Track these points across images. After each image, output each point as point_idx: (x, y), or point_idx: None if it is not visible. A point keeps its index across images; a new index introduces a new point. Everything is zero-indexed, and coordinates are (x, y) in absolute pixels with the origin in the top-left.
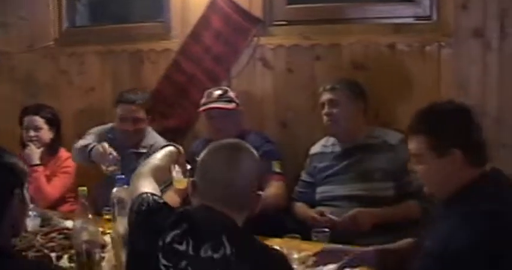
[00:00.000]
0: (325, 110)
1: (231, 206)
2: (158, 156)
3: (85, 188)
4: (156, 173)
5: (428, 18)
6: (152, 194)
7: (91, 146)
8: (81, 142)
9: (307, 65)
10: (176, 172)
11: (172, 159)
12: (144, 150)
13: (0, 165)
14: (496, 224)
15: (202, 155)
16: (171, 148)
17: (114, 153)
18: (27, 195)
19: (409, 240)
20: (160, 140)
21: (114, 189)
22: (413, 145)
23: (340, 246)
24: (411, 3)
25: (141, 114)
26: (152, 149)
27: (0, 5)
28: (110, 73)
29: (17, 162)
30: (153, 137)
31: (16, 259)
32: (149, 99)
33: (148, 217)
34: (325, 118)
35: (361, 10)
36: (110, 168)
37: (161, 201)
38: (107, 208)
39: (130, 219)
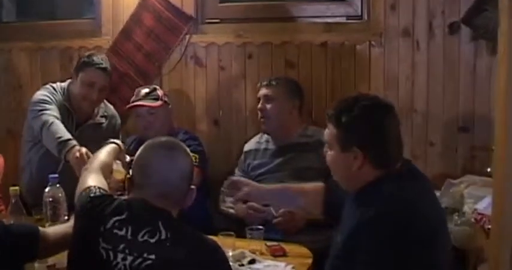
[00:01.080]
0: (260, 105)
1: (167, 200)
2: (104, 153)
3: (17, 188)
4: (104, 168)
5: (359, 17)
6: (98, 187)
7: (62, 138)
8: (45, 118)
9: (239, 63)
10: (116, 164)
11: (115, 155)
12: (103, 120)
13: None
14: (394, 227)
15: (139, 152)
16: (114, 145)
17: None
18: None
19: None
20: (113, 110)
21: (47, 189)
22: (326, 131)
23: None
24: (343, 3)
25: (107, 83)
26: (112, 120)
27: None
28: (39, 70)
29: None
30: (110, 107)
31: None
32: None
33: (91, 206)
34: (259, 114)
35: (295, 9)
36: None
37: (104, 192)
38: (37, 208)
39: (76, 209)
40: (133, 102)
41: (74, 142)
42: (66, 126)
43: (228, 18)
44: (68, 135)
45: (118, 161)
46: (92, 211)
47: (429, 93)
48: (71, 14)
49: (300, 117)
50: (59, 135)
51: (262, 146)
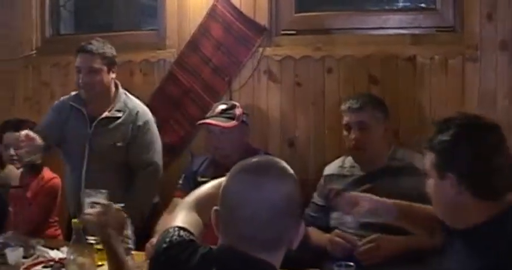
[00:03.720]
0: (353, 134)
1: (268, 246)
2: (208, 185)
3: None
4: (204, 202)
5: (452, 28)
6: (178, 229)
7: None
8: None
9: (318, 79)
10: None
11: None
12: (119, 114)
13: None
14: None
15: (226, 179)
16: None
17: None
18: None
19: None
20: (141, 105)
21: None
22: (425, 160)
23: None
24: (432, 13)
25: (98, 63)
26: (132, 114)
27: None
28: None
29: None
30: (130, 99)
31: None
32: (113, 52)
33: (166, 257)
34: (350, 142)
35: (378, 19)
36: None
37: (187, 237)
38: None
39: (151, 258)
40: (205, 118)
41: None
42: (79, 126)
43: (305, 29)
44: None
45: None
46: (167, 265)
47: None
48: (132, 25)
49: (387, 139)
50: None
51: (347, 172)
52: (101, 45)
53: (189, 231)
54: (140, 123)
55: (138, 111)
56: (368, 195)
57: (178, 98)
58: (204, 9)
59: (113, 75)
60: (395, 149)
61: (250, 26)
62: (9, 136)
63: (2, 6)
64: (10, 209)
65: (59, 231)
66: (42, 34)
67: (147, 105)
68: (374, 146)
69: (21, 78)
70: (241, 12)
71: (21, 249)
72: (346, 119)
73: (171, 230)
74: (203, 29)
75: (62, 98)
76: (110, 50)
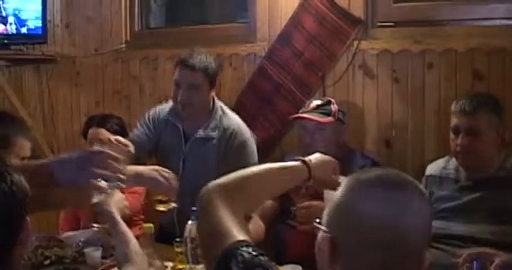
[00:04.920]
0: (461, 139)
1: None
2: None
3: (151, 225)
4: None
5: None
6: (248, 245)
7: None
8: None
9: (417, 74)
10: None
11: (293, 180)
12: (214, 134)
13: (11, 191)
14: None
15: (342, 193)
16: (295, 163)
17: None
18: None
19: None
20: (238, 124)
21: (189, 222)
22: None
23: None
24: None
25: (199, 79)
26: (227, 134)
27: (66, 4)
28: None
29: (24, 184)
30: (226, 116)
31: None
32: (217, 67)
33: None
34: (457, 147)
35: (484, 9)
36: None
37: (263, 259)
38: (179, 240)
39: None
40: (299, 112)
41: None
42: (174, 143)
43: (404, 20)
44: None
45: None
46: None
47: None
48: (222, 18)
49: (498, 145)
50: None
51: (451, 175)
52: (204, 60)
53: (255, 248)
54: (235, 144)
55: (233, 130)
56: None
57: (269, 94)
58: (296, 1)
59: (213, 93)
60: (506, 157)
61: (345, 17)
62: (93, 132)
63: (91, 2)
64: None
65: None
66: (131, 28)
67: (237, 100)
68: (483, 153)
69: (110, 72)
70: (335, 3)
71: (100, 250)
72: (455, 121)
73: (237, 251)
74: (295, 22)
75: (157, 110)
76: (212, 64)
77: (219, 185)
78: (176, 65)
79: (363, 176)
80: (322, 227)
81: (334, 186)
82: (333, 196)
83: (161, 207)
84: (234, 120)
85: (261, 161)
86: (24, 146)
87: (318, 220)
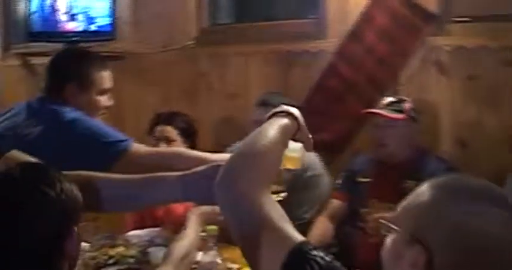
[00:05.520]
0: None
1: None
2: (270, 133)
3: (215, 228)
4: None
5: None
6: (315, 248)
7: None
8: None
9: (494, 72)
10: (292, 149)
11: (287, 136)
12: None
13: (59, 199)
14: None
15: (442, 203)
16: (286, 121)
17: None
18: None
19: None
20: (315, 158)
21: None
22: None
23: None
24: None
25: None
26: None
27: (134, 1)
28: (255, 77)
29: (76, 193)
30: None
31: None
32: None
33: None
34: None
35: None
36: None
37: (337, 264)
38: None
39: None
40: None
41: None
42: None
43: (481, 15)
44: None
45: (293, 143)
46: None
47: None
48: (292, 14)
49: None
50: None
51: None
52: (282, 99)
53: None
54: (310, 175)
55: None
56: None
57: (339, 92)
58: None
59: None
60: None
61: (419, 12)
62: (160, 129)
63: None
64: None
65: None
66: (199, 24)
67: (306, 99)
68: None
69: (177, 69)
70: None
71: (162, 251)
72: None
73: (308, 255)
74: (366, 17)
75: None
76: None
77: (246, 179)
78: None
79: (463, 185)
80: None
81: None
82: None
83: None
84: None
85: (332, 161)
86: (104, 77)
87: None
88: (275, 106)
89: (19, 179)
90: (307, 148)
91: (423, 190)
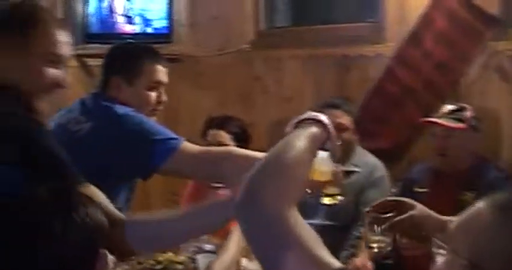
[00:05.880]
0: None
1: None
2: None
3: None
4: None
5: None
6: None
7: None
8: None
9: None
10: (321, 160)
11: (316, 146)
12: (357, 169)
13: (84, 223)
14: None
15: (499, 224)
16: (314, 130)
17: None
18: None
19: None
20: (374, 159)
21: None
22: None
23: None
24: None
25: (347, 122)
26: (367, 168)
27: (191, 3)
28: (311, 81)
29: (101, 217)
30: (364, 153)
31: None
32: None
33: None
34: None
35: None
36: None
37: None
38: None
39: None
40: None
41: None
42: None
43: None
44: None
45: (322, 153)
46: None
47: None
48: (349, 17)
49: None
50: None
51: None
52: (348, 104)
53: None
54: (375, 178)
55: (372, 166)
56: None
57: (397, 98)
58: None
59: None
60: None
61: (480, 16)
62: (212, 134)
63: (216, 0)
64: None
65: None
66: (255, 27)
67: (363, 104)
68: None
69: (233, 72)
70: (469, 0)
71: (212, 257)
72: None
73: None
74: (425, 20)
75: None
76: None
77: (273, 194)
78: (321, 107)
79: None
80: None
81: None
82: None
83: (327, 200)
84: (366, 153)
85: (389, 169)
86: (155, 70)
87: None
88: (345, 110)
89: (45, 204)
90: (334, 158)
91: (483, 209)
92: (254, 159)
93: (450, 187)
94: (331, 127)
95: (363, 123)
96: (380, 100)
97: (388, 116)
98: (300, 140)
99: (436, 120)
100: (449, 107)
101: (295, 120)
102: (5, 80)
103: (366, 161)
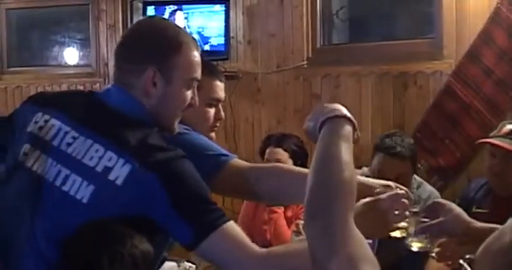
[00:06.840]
0: None
1: None
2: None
3: None
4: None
5: None
6: None
7: None
8: None
9: None
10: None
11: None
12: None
13: (131, 254)
14: None
15: None
16: (347, 128)
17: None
18: None
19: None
20: (435, 191)
21: None
22: None
23: None
24: None
25: (407, 169)
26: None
27: (248, 20)
28: (368, 98)
29: (146, 245)
30: (424, 188)
31: None
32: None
33: None
34: None
35: None
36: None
37: None
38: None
39: None
40: (489, 137)
41: None
42: None
43: None
44: None
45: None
46: None
47: None
48: (407, 34)
49: None
50: None
51: None
52: (407, 145)
53: None
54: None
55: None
56: None
57: (456, 115)
58: (485, 14)
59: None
60: None
61: None
62: (270, 151)
63: (273, 16)
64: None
65: None
66: (313, 44)
67: (421, 122)
68: None
69: (291, 90)
70: None
71: None
72: None
73: None
74: (485, 36)
75: None
76: (413, 146)
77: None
78: (377, 150)
79: None
80: None
81: None
82: None
83: (397, 234)
84: (427, 187)
85: (446, 186)
86: (213, 85)
87: None
88: (404, 156)
89: (93, 240)
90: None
91: (507, 230)
92: (300, 175)
93: (508, 211)
94: (355, 121)
95: (422, 140)
96: (439, 117)
97: (446, 133)
98: (341, 147)
99: (494, 142)
100: (509, 127)
101: (322, 118)
102: None
103: (428, 195)
